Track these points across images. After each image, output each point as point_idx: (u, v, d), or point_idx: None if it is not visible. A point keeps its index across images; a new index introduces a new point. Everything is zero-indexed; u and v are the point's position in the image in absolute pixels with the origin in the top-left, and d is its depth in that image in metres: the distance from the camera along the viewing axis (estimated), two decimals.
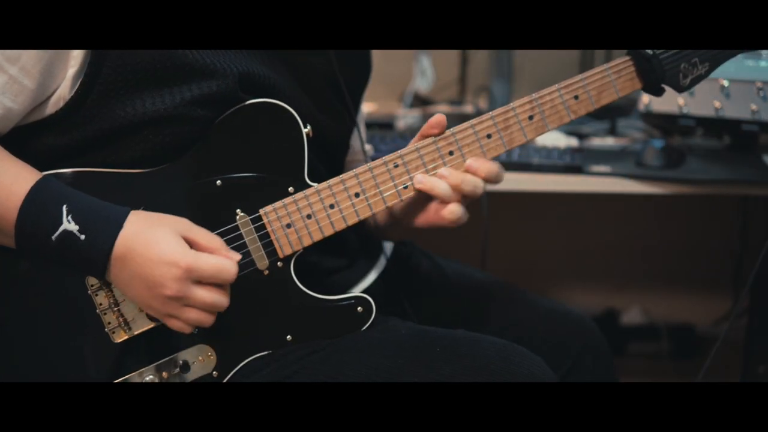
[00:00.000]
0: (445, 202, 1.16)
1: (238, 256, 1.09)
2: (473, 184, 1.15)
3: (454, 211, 1.16)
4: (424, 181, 1.15)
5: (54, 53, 1.06)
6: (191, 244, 1.07)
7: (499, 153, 1.17)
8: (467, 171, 1.16)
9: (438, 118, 1.16)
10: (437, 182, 1.15)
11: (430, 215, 1.23)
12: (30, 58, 1.05)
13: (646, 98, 1.80)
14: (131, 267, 1.05)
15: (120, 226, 1.05)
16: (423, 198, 1.21)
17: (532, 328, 1.34)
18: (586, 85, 1.17)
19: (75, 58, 1.07)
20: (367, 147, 1.50)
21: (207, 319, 1.08)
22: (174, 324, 1.08)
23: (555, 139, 1.87)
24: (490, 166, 1.16)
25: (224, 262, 1.06)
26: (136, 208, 1.10)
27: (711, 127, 1.86)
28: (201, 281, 1.06)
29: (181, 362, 1.14)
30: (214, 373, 1.14)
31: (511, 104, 1.17)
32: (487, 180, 1.16)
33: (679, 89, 1.20)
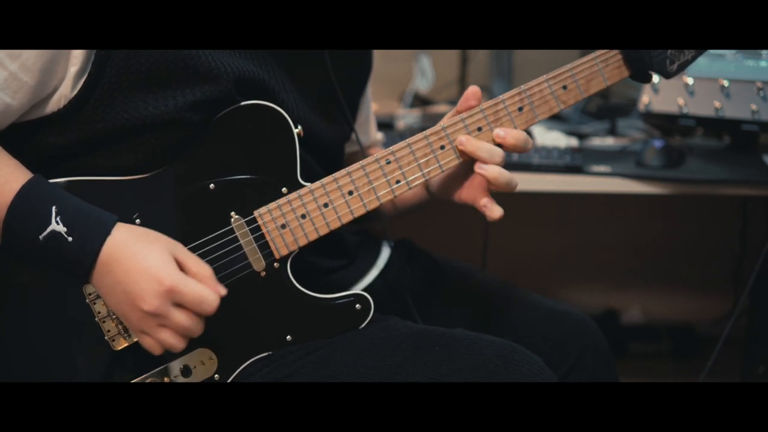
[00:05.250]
0: (489, 162, 1.16)
1: (223, 291, 1.07)
2: (500, 154, 1.16)
3: (501, 176, 1.16)
4: (466, 142, 1.16)
5: (55, 51, 1.06)
6: (181, 268, 1.06)
7: None
8: (495, 140, 1.17)
9: (473, 89, 1.17)
10: (479, 144, 1.15)
11: (473, 186, 1.22)
12: (31, 55, 1.05)
13: (646, 98, 1.80)
14: (114, 275, 1.04)
15: (108, 232, 1.05)
16: (462, 172, 1.21)
17: (532, 327, 1.34)
18: (574, 75, 1.17)
19: (76, 56, 1.07)
20: (379, 135, 1.50)
21: (179, 344, 1.06)
22: (146, 341, 1.07)
23: (555, 139, 1.87)
24: (517, 134, 1.17)
25: (208, 293, 1.04)
26: (131, 215, 1.10)
27: (711, 127, 1.87)
28: (181, 305, 1.05)
29: (182, 367, 1.13)
30: (215, 376, 1.14)
31: (501, 96, 1.17)
32: (515, 149, 1.17)
33: (667, 75, 1.20)
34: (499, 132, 1.17)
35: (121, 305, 1.05)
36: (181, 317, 1.04)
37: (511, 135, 1.16)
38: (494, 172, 1.16)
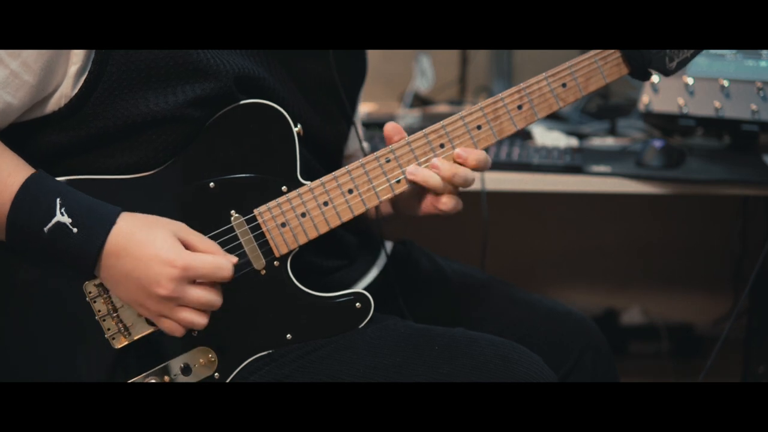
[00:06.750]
0: (438, 193, 1.16)
1: (234, 259, 1.09)
2: (464, 176, 1.15)
3: (447, 202, 1.17)
4: (416, 172, 1.15)
5: (56, 50, 1.06)
6: (187, 247, 1.07)
7: (490, 143, 1.17)
8: (456, 160, 1.16)
9: (392, 125, 1.16)
10: (429, 174, 1.15)
11: (426, 205, 1.22)
12: (31, 53, 1.05)
13: (646, 98, 1.80)
14: (124, 265, 1.05)
15: (112, 223, 1.05)
16: (417, 189, 1.21)
17: (532, 328, 1.34)
18: (573, 73, 1.17)
19: (77, 55, 1.07)
20: (365, 144, 1.50)
21: (200, 320, 1.07)
22: (166, 325, 1.07)
23: (555, 139, 1.87)
24: (478, 155, 1.16)
25: (220, 260, 1.06)
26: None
27: (711, 127, 1.86)
28: (196, 281, 1.06)
29: (182, 365, 1.14)
30: (215, 374, 1.14)
31: (500, 94, 1.17)
32: (476, 168, 1.16)
33: (666, 73, 1.20)
34: (460, 152, 1.16)
35: (136, 294, 1.06)
36: (199, 293, 1.05)
37: (472, 156, 1.16)
38: (452, 203, 1.17)
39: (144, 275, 1.04)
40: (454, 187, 1.16)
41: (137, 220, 1.07)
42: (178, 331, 1.08)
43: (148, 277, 1.04)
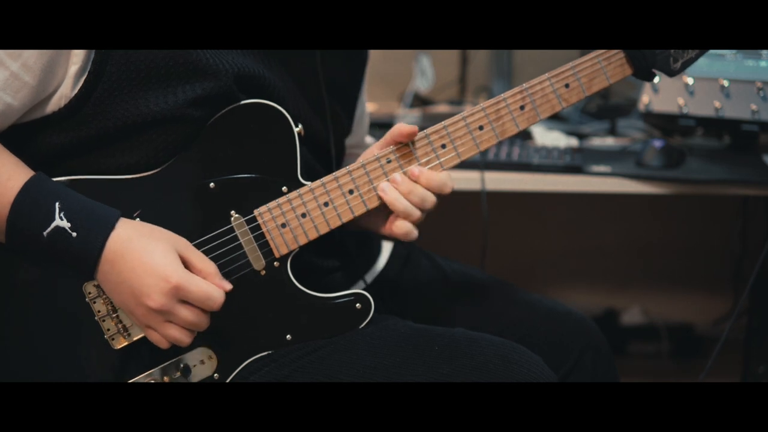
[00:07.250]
0: (401, 217, 1.15)
1: (228, 286, 1.09)
2: (420, 195, 1.14)
3: (401, 226, 1.16)
4: (387, 191, 1.15)
5: (56, 50, 1.06)
6: (186, 264, 1.07)
7: (492, 144, 1.17)
8: (411, 178, 1.15)
9: (411, 128, 1.14)
10: (398, 198, 1.14)
11: (386, 225, 1.21)
12: (32, 54, 1.05)
13: (646, 98, 1.80)
14: (120, 272, 1.05)
15: (112, 227, 1.05)
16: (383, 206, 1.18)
17: (532, 328, 1.34)
18: (577, 73, 1.17)
19: (77, 55, 1.07)
20: (370, 139, 1.50)
21: (185, 339, 1.07)
22: (152, 336, 1.08)
23: (555, 139, 1.87)
24: (429, 175, 1.14)
25: (213, 290, 1.06)
26: (131, 214, 1.10)
27: (711, 127, 1.87)
28: (186, 301, 1.06)
29: (182, 366, 1.14)
30: (215, 375, 1.14)
31: (502, 95, 1.17)
32: (429, 189, 1.15)
33: (670, 74, 1.19)
34: (414, 170, 1.15)
35: (127, 302, 1.06)
36: (186, 313, 1.05)
37: (425, 176, 1.15)
38: (404, 229, 1.16)
39: (137, 284, 1.04)
40: (414, 209, 1.15)
41: (138, 228, 1.07)
42: (163, 344, 1.08)
43: (141, 287, 1.04)
